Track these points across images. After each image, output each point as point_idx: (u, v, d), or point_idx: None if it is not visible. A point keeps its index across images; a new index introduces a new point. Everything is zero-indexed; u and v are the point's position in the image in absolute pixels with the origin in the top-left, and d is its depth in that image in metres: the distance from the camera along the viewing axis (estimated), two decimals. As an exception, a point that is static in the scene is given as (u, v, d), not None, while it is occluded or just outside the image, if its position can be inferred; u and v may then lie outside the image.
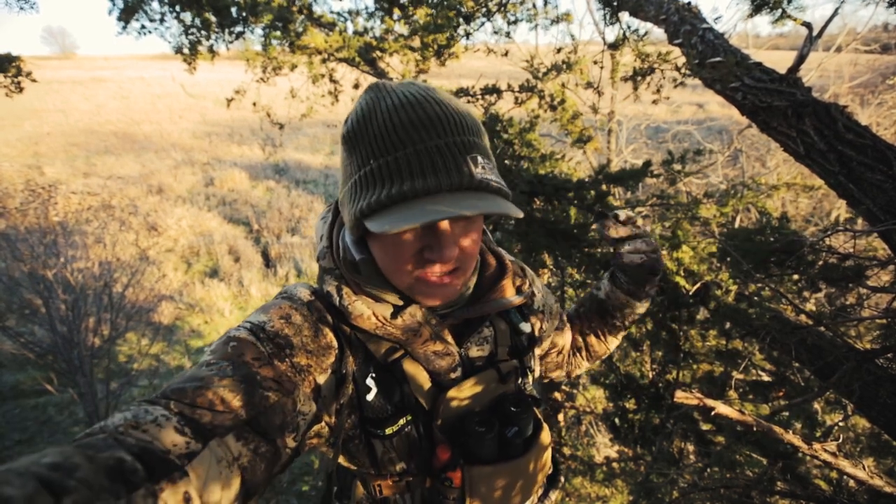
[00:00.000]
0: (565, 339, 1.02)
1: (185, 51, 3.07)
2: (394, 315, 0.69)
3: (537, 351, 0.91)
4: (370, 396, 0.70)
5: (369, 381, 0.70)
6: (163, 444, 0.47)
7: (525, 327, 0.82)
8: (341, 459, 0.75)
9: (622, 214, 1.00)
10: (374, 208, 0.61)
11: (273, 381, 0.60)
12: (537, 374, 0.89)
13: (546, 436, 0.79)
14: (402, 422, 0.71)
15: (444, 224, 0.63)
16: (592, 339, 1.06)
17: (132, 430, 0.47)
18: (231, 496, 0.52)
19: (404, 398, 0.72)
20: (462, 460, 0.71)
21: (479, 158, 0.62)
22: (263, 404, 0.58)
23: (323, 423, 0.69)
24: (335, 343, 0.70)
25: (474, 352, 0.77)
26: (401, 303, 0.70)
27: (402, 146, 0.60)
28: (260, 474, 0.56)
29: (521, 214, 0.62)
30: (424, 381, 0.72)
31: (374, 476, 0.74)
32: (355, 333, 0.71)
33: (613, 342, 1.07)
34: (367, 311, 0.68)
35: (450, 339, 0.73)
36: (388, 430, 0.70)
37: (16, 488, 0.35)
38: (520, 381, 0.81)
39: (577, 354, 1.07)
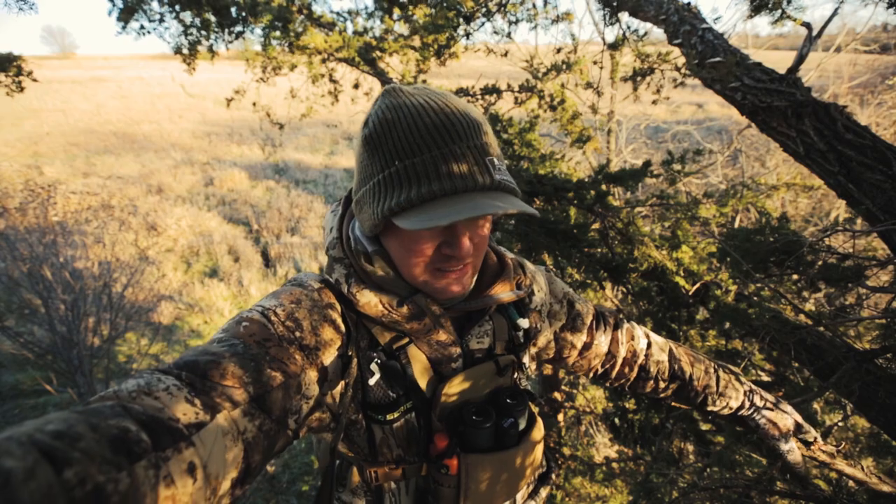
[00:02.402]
0: (586, 340, 0.97)
1: (185, 51, 3.07)
2: (399, 304, 0.71)
3: (532, 348, 0.93)
4: (373, 381, 0.73)
5: (373, 367, 0.73)
6: (173, 412, 0.48)
7: (523, 323, 0.84)
8: (339, 446, 0.77)
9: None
10: (403, 206, 0.64)
11: (280, 363, 0.62)
12: (532, 369, 0.90)
13: (540, 428, 0.82)
14: (402, 408, 0.73)
15: (463, 223, 0.67)
16: (644, 385, 1.02)
17: (144, 397, 0.48)
18: (234, 470, 0.53)
19: (406, 385, 0.74)
20: (459, 448, 0.73)
21: (496, 161, 0.66)
22: (270, 383, 0.60)
23: (325, 409, 0.71)
24: (342, 329, 0.72)
25: (474, 344, 0.80)
26: (401, 289, 0.73)
27: (428, 149, 0.63)
28: (261, 452, 0.58)
29: (536, 213, 0.66)
30: (426, 369, 0.75)
31: (370, 463, 0.77)
32: (361, 320, 0.74)
33: (654, 395, 1.05)
34: (374, 299, 0.71)
35: (451, 329, 0.76)
36: (390, 416, 0.73)
37: (17, 459, 0.35)
38: (516, 375, 0.84)
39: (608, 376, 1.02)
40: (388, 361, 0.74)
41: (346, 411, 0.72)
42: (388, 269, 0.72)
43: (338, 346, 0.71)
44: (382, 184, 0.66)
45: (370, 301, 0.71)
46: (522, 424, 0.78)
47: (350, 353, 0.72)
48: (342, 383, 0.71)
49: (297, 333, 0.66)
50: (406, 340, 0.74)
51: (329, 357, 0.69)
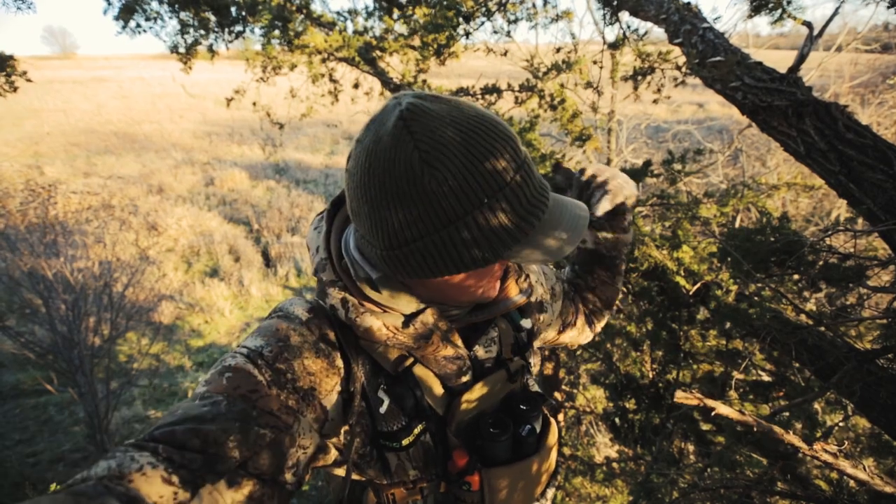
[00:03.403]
0: (573, 309, 1.02)
1: (181, 49, 3.07)
2: (405, 324, 0.67)
3: (536, 343, 0.91)
4: (383, 409, 0.68)
5: (381, 394, 0.68)
6: (148, 496, 0.45)
7: (526, 324, 0.83)
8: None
9: (590, 170, 0.96)
10: (512, 245, 0.59)
11: (270, 416, 0.57)
12: (536, 369, 0.89)
13: (554, 432, 0.80)
14: (417, 431, 0.70)
15: None
16: (602, 290, 1.04)
17: (117, 481, 0.45)
18: None
19: (418, 406, 0.70)
20: (479, 464, 0.71)
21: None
22: (259, 443, 0.55)
23: (329, 449, 0.67)
24: (339, 361, 0.67)
25: (482, 353, 0.77)
26: (410, 310, 0.68)
27: (507, 175, 0.57)
28: None
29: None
30: (436, 386, 0.72)
31: (388, 486, 0.73)
32: (360, 343, 0.69)
33: (620, 280, 1.06)
34: (377, 323, 0.66)
35: (459, 342, 0.72)
36: (405, 441, 0.69)
37: None
38: (525, 378, 0.81)
39: (595, 315, 1.06)
40: (396, 384, 0.69)
41: (352, 449, 0.68)
42: (392, 290, 0.67)
43: (336, 381, 0.66)
44: (466, 231, 0.56)
45: (372, 326, 0.65)
46: (538, 428, 0.77)
47: (352, 388, 0.67)
48: (347, 422, 0.67)
49: (289, 375, 0.61)
50: (412, 359, 0.70)
51: (327, 396, 0.65)
